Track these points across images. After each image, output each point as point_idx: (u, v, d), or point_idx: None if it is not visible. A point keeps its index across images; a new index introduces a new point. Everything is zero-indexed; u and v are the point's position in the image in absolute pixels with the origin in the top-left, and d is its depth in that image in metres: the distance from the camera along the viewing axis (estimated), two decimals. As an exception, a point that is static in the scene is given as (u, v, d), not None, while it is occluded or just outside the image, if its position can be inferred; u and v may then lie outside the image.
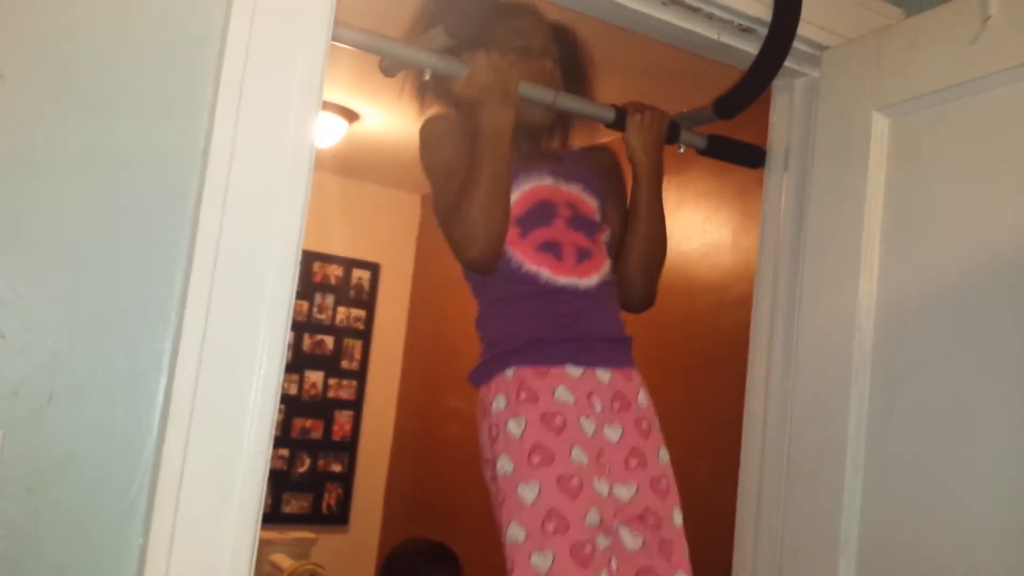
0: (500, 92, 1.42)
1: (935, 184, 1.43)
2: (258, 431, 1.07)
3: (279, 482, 4.52)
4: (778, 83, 1.72)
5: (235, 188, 1.06)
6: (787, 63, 1.59)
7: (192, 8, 1.06)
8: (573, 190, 1.60)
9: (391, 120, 3.66)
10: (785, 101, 1.73)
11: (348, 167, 4.37)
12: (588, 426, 1.45)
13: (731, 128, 1.78)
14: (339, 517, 4.69)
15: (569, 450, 1.41)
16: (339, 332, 4.73)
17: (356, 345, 4.76)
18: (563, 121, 1.70)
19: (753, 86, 1.60)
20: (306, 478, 4.62)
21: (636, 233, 1.62)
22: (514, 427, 1.43)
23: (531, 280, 1.51)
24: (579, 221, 1.57)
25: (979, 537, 1.29)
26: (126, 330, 1.02)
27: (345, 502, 4.72)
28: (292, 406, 4.56)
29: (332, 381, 4.69)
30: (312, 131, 1.12)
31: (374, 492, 4.77)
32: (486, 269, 1.48)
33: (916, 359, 1.42)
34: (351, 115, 3.62)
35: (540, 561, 1.33)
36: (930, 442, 1.37)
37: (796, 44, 1.57)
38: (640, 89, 1.87)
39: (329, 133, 3.64)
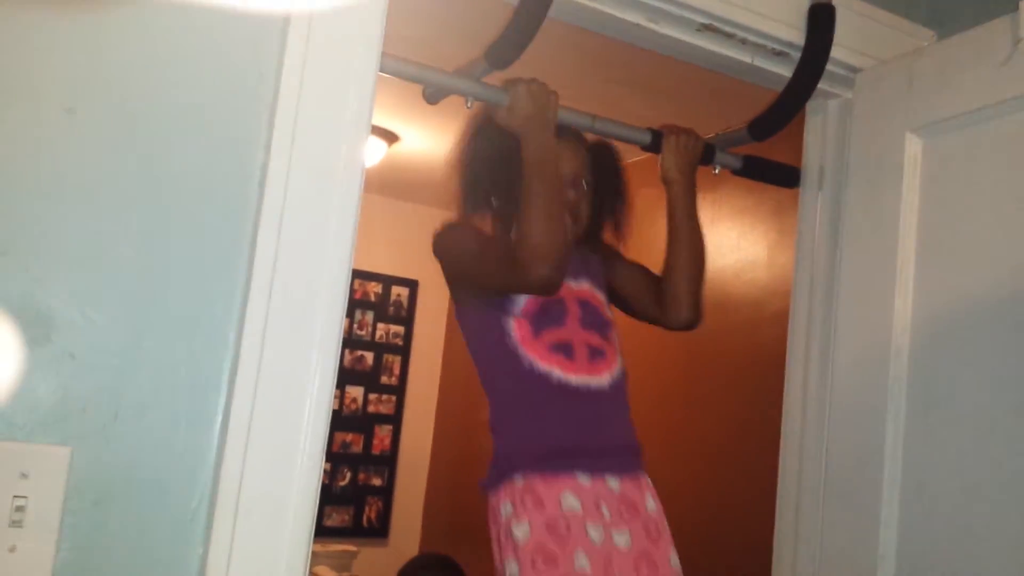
0: (540, 121, 1.47)
1: (968, 204, 1.45)
2: (311, 447, 1.11)
3: (321, 495, 4.55)
4: (812, 104, 1.74)
5: (290, 214, 1.10)
6: (820, 85, 1.62)
7: (248, 44, 1.11)
8: (583, 287, 1.64)
9: (429, 141, 3.73)
10: (819, 122, 1.75)
11: (387, 186, 4.45)
12: (595, 533, 1.47)
13: (765, 148, 1.81)
14: (379, 530, 4.74)
15: (573, 556, 1.43)
16: (379, 348, 4.79)
17: (395, 361, 4.83)
18: (591, 227, 1.73)
19: (787, 108, 1.63)
20: (347, 491, 4.68)
21: (679, 252, 1.66)
22: (518, 532, 1.45)
23: (543, 380, 1.53)
24: (591, 319, 1.61)
25: (1020, 557, 1.30)
26: (187, 350, 1.05)
27: (385, 515, 4.77)
28: (333, 420, 4.52)
29: (372, 396, 4.76)
30: (362, 158, 1.17)
31: (413, 505, 4.82)
32: (553, 285, 1.48)
33: (953, 377, 1.43)
34: (391, 136, 3.69)
35: None
36: (967, 459, 1.38)
37: (829, 67, 1.59)
38: (676, 108, 1.91)
39: (370, 154, 3.72)
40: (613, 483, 1.54)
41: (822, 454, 1.61)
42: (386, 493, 4.78)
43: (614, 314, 1.71)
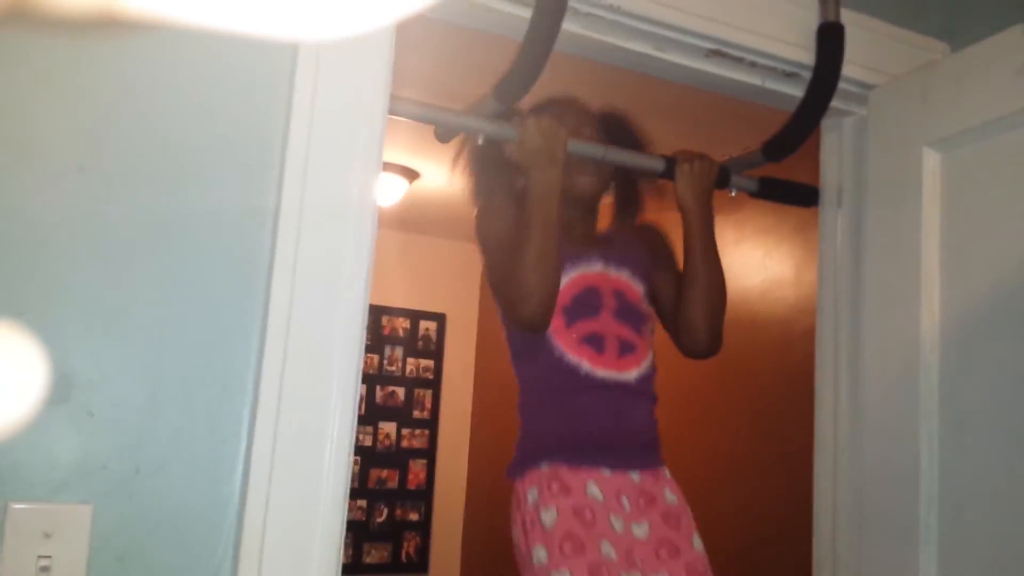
0: (548, 156, 1.48)
1: (990, 215, 1.43)
2: (334, 490, 1.11)
3: (359, 533, 4.58)
4: (827, 122, 1.73)
5: (303, 256, 1.10)
6: (834, 103, 1.61)
7: (257, 85, 1.12)
8: (622, 276, 1.64)
9: (450, 176, 3.75)
10: (834, 140, 1.74)
11: (410, 223, 4.47)
12: (617, 524, 1.49)
13: (784, 169, 1.79)
14: (419, 565, 4.73)
15: (599, 543, 1.45)
16: (409, 383, 4.80)
17: (426, 395, 4.83)
18: (623, 196, 1.74)
19: (800, 129, 1.62)
20: (385, 527, 4.67)
21: (695, 280, 1.64)
22: (546, 517, 1.47)
23: (571, 371, 1.55)
24: (625, 313, 1.62)
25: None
26: (206, 401, 1.06)
27: (424, 550, 4.76)
28: (368, 457, 4.62)
29: (405, 431, 4.76)
30: (374, 197, 1.17)
31: (452, 539, 4.80)
32: (539, 326, 1.52)
33: (984, 389, 1.40)
34: (411, 174, 3.72)
35: None
36: (1003, 476, 1.35)
37: (842, 84, 1.58)
38: (688, 132, 1.91)
39: (391, 192, 3.75)
40: (634, 476, 1.56)
41: (856, 475, 1.58)
42: (423, 527, 4.77)
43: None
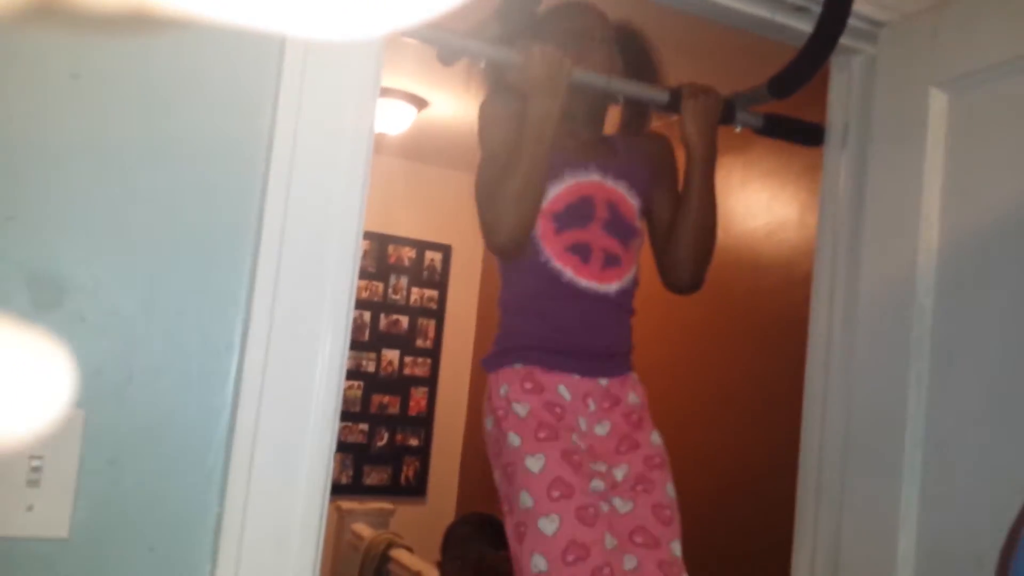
0: (549, 85, 1.47)
1: (994, 159, 1.41)
2: (324, 406, 1.12)
3: (360, 455, 4.68)
4: (836, 61, 1.70)
5: (298, 176, 1.11)
6: (843, 41, 1.58)
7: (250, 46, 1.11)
8: (619, 187, 1.63)
9: (459, 105, 3.71)
10: (843, 79, 1.72)
11: (418, 152, 4.45)
12: (582, 423, 1.55)
13: (793, 108, 1.77)
14: (417, 489, 4.82)
15: (569, 434, 1.51)
16: (413, 312, 4.83)
17: (430, 324, 4.86)
18: (631, 106, 1.73)
19: (807, 65, 1.59)
20: (385, 452, 4.75)
21: (687, 218, 1.64)
22: (520, 409, 1.53)
23: (554, 277, 1.58)
24: (616, 225, 1.62)
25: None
26: (199, 312, 1.07)
27: (423, 475, 4.85)
28: (370, 383, 4.68)
29: (408, 359, 4.80)
30: (371, 119, 1.17)
31: (450, 465, 4.89)
32: (509, 256, 1.56)
33: (974, 328, 1.41)
34: (420, 102, 3.68)
35: (547, 525, 1.42)
36: (986, 410, 1.37)
37: (852, 21, 1.55)
38: (700, 67, 1.88)
39: (399, 120, 3.71)
40: (602, 381, 1.61)
41: (844, 414, 1.60)
42: (423, 453, 4.85)
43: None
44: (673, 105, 1.64)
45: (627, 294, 1.65)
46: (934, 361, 1.46)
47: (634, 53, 1.71)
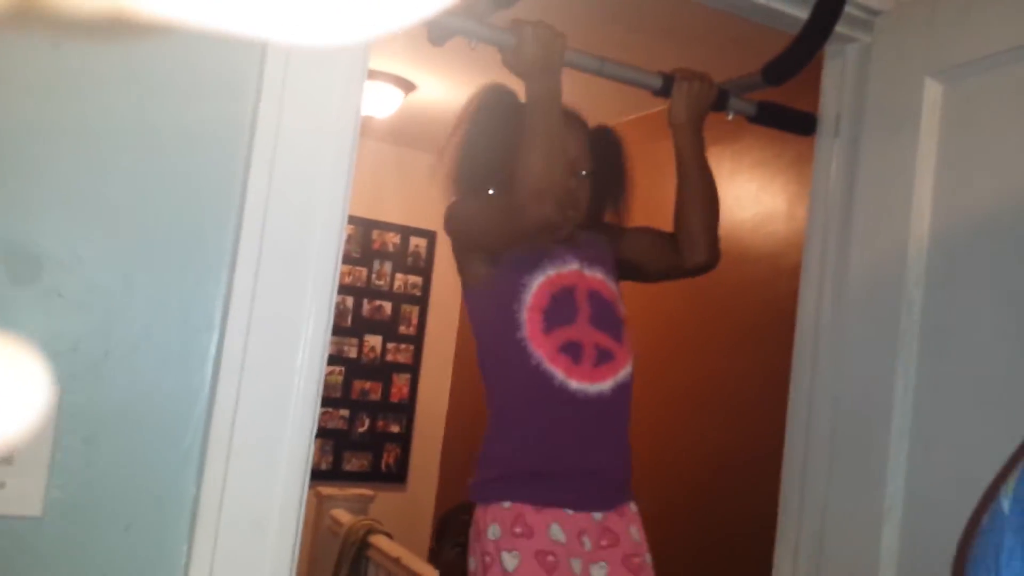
0: (546, 64, 1.44)
1: (988, 149, 1.40)
2: (305, 389, 1.11)
3: (340, 441, 4.66)
4: (830, 49, 1.69)
5: (282, 157, 1.09)
6: (838, 28, 1.57)
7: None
8: (597, 275, 1.61)
9: (447, 89, 3.68)
10: (837, 67, 1.70)
11: (405, 136, 4.41)
12: (576, 565, 1.48)
13: (786, 97, 1.76)
14: (397, 476, 4.81)
15: None
16: (397, 298, 4.81)
17: (413, 311, 4.84)
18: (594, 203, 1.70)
19: (801, 52, 1.58)
20: (366, 438, 4.74)
21: (691, 193, 1.65)
22: (508, 561, 1.45)
23: (545, 382, 1.51)
24: (602, 317, 1.59)
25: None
26: (179, 290, 1.05)
27: (403, 461, 4.83)
28: (352, 368, 4.66)
29: (390, 345, 4.78)
30: (357, 101, 1.14)
31: (431, 452, 4.88)
32: (554, 224, 1.45)
33: (965, 325, 1.40)
34: (408, 85, 3.65)
35: None
36: (976, 413, 1.36)
37: (848, 9, 1.54)
38: (693, 55, 1.87)
39: (386, 103, 3.68)
40: (597, 515, 1.55)
41: (831, 405, 1.59)
42: (404, 440, 4.83)
43: (626, 307, 1.69)
44: (666, 90, 1.63)
45: (624, 390, 1.59)
46: (922, 353, 1.45)
47: (607, 155, 1.71)
